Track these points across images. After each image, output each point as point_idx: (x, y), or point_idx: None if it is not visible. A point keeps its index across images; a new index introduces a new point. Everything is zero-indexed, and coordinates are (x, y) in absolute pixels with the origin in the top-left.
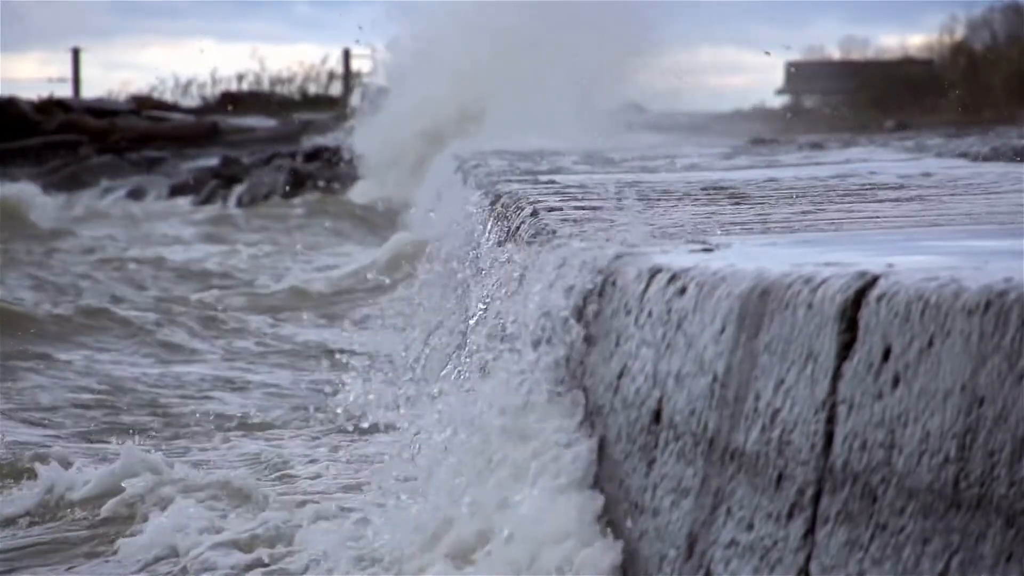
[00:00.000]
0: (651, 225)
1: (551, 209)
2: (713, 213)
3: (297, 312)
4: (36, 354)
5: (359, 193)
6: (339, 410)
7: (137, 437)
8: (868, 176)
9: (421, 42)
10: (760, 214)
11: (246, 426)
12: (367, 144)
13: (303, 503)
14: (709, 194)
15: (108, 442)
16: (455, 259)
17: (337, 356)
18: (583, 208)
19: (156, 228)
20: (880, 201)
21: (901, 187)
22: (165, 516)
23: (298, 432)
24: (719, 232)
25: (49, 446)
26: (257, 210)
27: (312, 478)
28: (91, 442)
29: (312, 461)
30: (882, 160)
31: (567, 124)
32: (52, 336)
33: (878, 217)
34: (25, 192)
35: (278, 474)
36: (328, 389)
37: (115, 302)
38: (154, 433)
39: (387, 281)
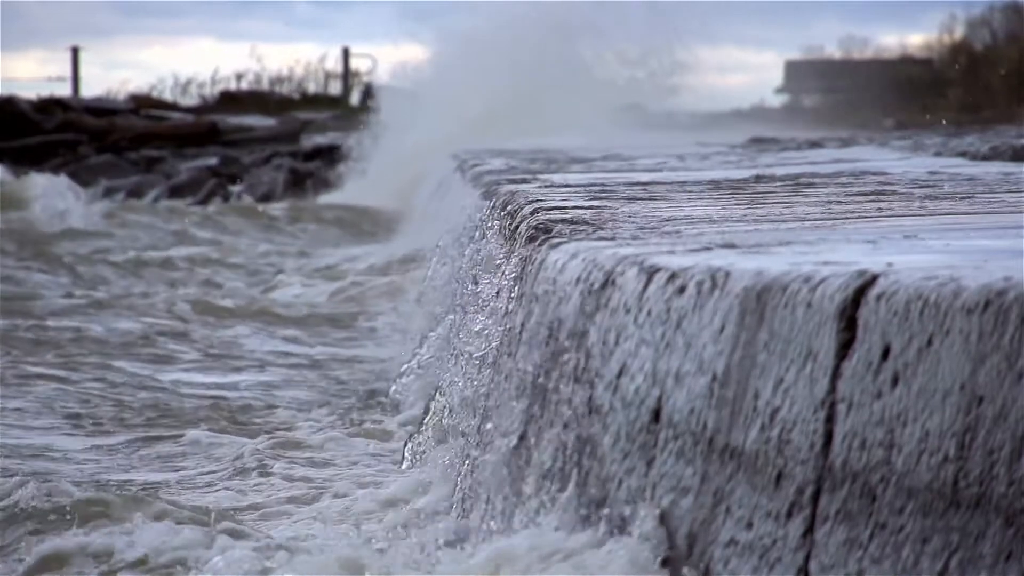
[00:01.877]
0: (652, 223)
1: (551, 208)
2: (725, 209)
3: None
4: (36, 361)
5: (349, 196)
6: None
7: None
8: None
9: (425, 71)
10: (761, 211)
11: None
12: (359, 193)
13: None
14: (714, 190)
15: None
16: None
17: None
18: (581, 207)
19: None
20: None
21: (929, 185)
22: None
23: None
24: (729, 230)
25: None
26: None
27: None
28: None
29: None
30: (886, 159)
31: (570, 128)
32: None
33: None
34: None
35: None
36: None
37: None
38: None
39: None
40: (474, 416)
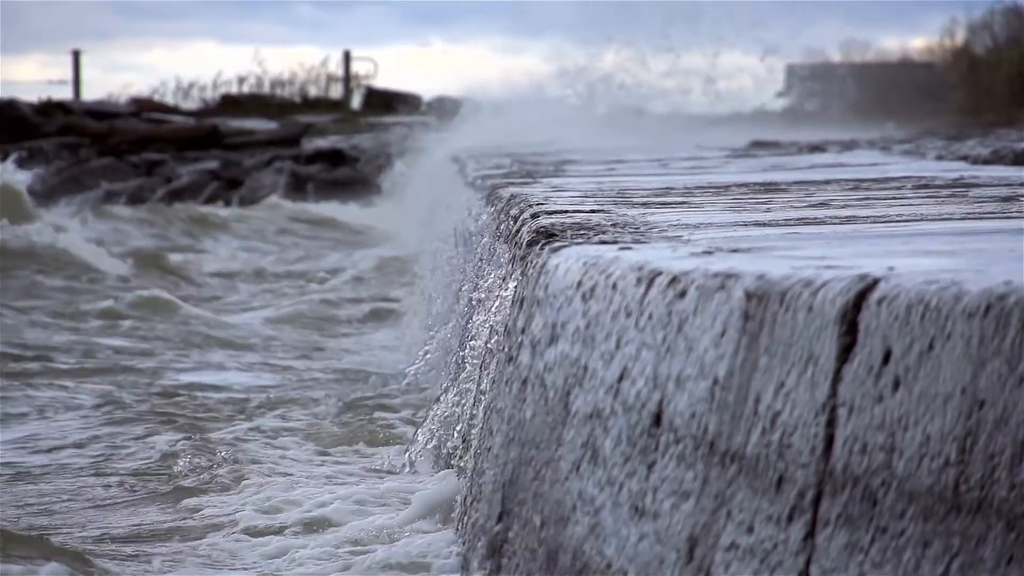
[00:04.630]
0: (653, 227)
1: (552, 212)
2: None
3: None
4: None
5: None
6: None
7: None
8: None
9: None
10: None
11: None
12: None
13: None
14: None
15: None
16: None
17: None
18: (582, 211)
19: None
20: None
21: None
22: None
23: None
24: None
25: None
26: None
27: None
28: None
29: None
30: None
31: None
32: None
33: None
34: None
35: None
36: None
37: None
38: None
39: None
40: (477, 418)
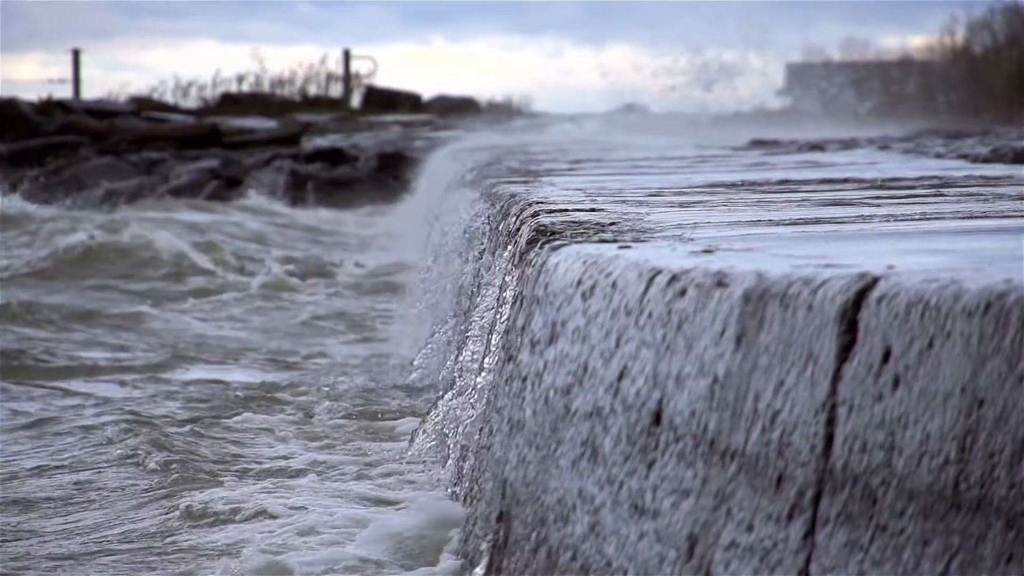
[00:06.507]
0: (653, 226)
1: (552, 211)
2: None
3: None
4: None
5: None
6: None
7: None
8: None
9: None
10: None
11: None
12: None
13: None
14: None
15: None
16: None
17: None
18: (581, 209)
19: None
20: None
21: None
22: None
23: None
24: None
25: None
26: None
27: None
28: None
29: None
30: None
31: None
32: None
33: None
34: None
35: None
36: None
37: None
38: None
39: None
40: (477, 412)
